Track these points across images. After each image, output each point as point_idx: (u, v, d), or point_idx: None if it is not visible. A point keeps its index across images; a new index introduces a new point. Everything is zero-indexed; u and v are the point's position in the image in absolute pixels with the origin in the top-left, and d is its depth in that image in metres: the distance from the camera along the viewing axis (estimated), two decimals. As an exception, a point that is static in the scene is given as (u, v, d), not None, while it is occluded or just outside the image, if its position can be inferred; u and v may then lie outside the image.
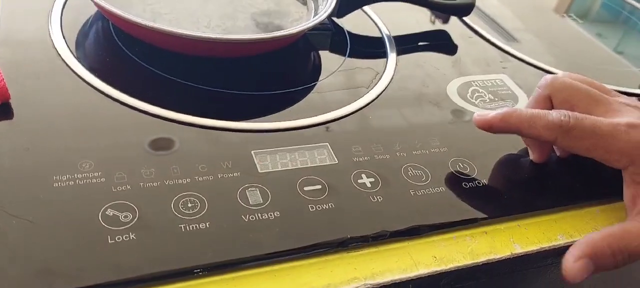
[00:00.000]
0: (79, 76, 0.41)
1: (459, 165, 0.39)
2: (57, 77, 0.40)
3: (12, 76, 0.38)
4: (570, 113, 0.36)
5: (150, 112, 0.39)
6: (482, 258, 0.34)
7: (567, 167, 0.42)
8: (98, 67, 0.42)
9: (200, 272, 0.29)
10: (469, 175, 0.39)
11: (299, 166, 0.37)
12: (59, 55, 0.42)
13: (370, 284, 0.31)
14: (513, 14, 0.67)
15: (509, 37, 0.60)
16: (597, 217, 0.39)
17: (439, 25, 0.61)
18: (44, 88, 0.39)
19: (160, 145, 0.36)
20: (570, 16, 0.73)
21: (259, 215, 0.33)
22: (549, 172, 0.41)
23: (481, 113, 0.39)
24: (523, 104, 0.48)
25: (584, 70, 0.56)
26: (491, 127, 0.38)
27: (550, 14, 0.73)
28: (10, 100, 0.36)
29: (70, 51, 0.43)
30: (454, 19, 0.62)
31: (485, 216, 0.36)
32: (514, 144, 0.43)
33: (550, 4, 0.76)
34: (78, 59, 0.42)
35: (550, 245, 0.36)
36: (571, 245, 0.37)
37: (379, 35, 0.56)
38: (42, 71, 0.41)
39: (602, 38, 0.68)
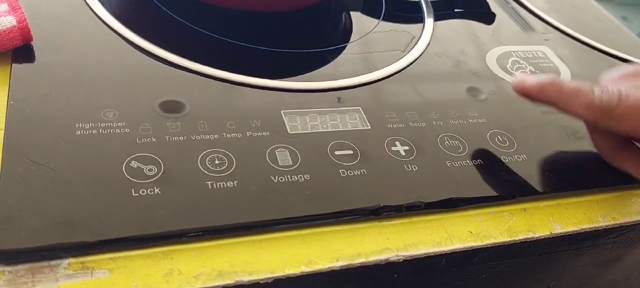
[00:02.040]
0: (104, 22, 0.39)
1: (498, 138, 0.37)
2: (81, 22, 0.39)
3: (35, 18, 0.37)
4: (614, 90, 0.32)
5: (178, 64, 0.37)
6: (520, 236, 0.32)
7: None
8: (124, 14, 0.40)
9: (226, 231, 0.28)
10: (509, 149, 0.37)
11: (330, 129, 0.35)
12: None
13: (402, 256, 0.30)
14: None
15: (546, 11, 0.57)
16: (641, 200, 0.37)
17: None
18: (67, 32, 0.37)
19: (187, 98, 0.34)
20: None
21: (289, 176, 0.31)
22: (593, 151, 0.39)
23: (522, 76, 0.35)
24: (566, 77, 0.46)
25: (627, 47, 0.53)
26: (527, 94, 0.35)
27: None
28: (33, 43, 0.35)
29: (96, -4, 0.41)
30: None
31: (524, 192, 0.34)
32: (557, 119, 0.41)
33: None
34: (103, 4, 0.40)
35: (591, 226, 0.34)
36: (612, 228, 0.35)
37: (416, -2, 0.53)
38: (66, 15, 0.39)
39: (627, 21, 0.64)
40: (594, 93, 0.32)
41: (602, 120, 0.33)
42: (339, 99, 0.38)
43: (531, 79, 0.35)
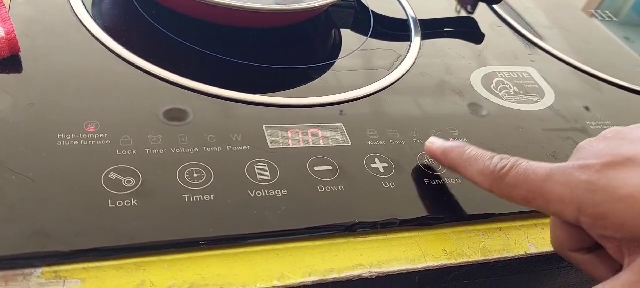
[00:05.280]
0: (93, 35, 0.40)
1: (478, 158, 0.38)
2: (70, 35, 0.39)
3: (24, 30, 0.38)
4: (511, 158, 0.30)
5: (162, 77, 0.38)
6: (494, 256, 0.33)
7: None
8: (113, 28, 0.41)
9: (201, 244, 0.28)
10: (487, 169, 0.37)
11: (311, 145, 0.36)
12: (74, 12, 0.41)
13: (375, 272, 0.30)
14: (540, 11, 0.64)
15: (535, 33, 0.58)
16: (618, 223, 0.37)
17: (467, 12, 0.59)
18: (55, 44, 0.38)
19: (170, 112, 0.35)
20: (602, 13, 0.70)
21: (266, 191, 0.31)
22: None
23: (434, 140, 0.35)
24: (550, 99, 0.46)
25: (613, 69, 0.53)
26: (434, 158, 0.35)
27: (577, 13, 0.70)
28: (21, 54, 0.35)
29: (86, 9, 0.42)
30: (483, 7, 0.59)
31: (501, 212, 0.35)
32: (536, 139, 0.41)
33: (579, 3, 0.73)
34: (93, 17, 0.41)
35: (567, 248, 0.35)
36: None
37: (405, 17, 0.54)
38: (56, 27, 0.40)
39: (629, 42, 0.65)
40: (491, 160, 0.31)
41: (494, 187, 0.30)
42: (323, 115, 0.38)
43: (439, 143, 0.35)
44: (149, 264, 0.27)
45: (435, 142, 0.35)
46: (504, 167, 0.30)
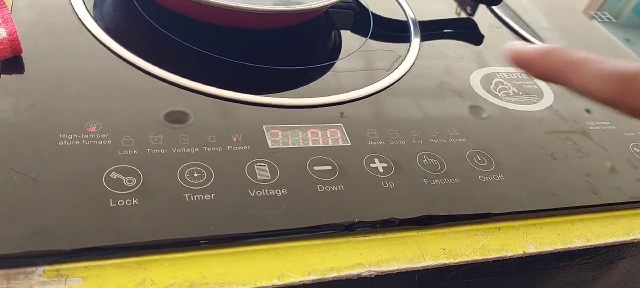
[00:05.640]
0: (94, 36, 0.40)
1: (477, 158, 0.38)
2: (71, 36, 0.40)
3: (26, 31, 0.38)
4: (635, 63, 0.24)
5: (163, 77, 0.38)
6: (493, 255, 0.33)
7: (588, 168, 0.40)
8: (114, 29, 0.42)
9: (201, 243, 0.28)
10: (487, 168, 0.37)
11: (311, 145, 0.36)
12: (76, 13, 0.42)
13: (374, 271, 0.30)
14: (540, 12, 0.65)
15: (534, 34, 0.58)
16: (616, 222, 0.37)
17: (466, 13, 0.59)
18: (57, 45, 0.38)
19: (170, 112, 0.35)
20: (602, 14, 0.70)
21: (266, 191, 0.32)
22: (569, 172, 0.39)
23: (520, 43, 0.28)
24: (549, 99, 0.47)
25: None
26: (524, 65, 0.28)
27: (577, 15, 0.70)
28: (22, 55, 0.36)
29: (87, 10, 0.42)
30: (482, 8, 0.60)
31: (499, 212, 0.35)
32: (536, 141, 0.41)
33: (579, 5, 0.73)
34: (95, 18, 0.41)
35: (565, 247, 0.35)
36: (586, 249, 0.36)
37: (404, 18, 0.54)
38: (57, 28, 0.40)
39: (630, 44, 0.65)
40: (610, 61, 0.25)
41: (624, 94, 0.24)
42: (322, 115, 0.39)
43: (529, 46, 0.28)
44: (149, 263, 0.27)
45: (523, 46, 0.28)
46: (629, 69, 0.24)
